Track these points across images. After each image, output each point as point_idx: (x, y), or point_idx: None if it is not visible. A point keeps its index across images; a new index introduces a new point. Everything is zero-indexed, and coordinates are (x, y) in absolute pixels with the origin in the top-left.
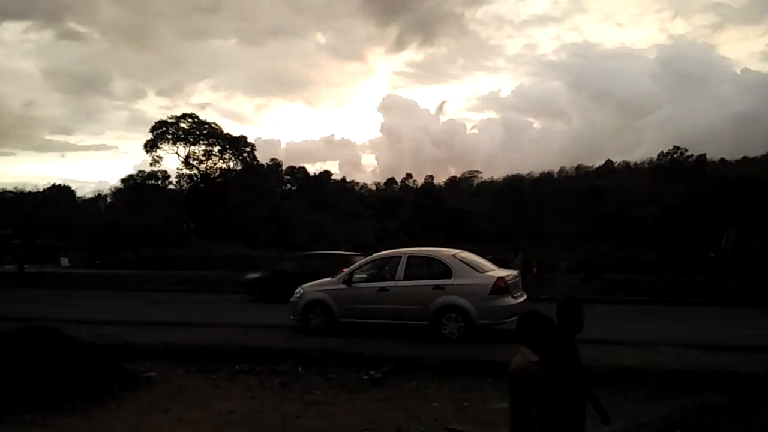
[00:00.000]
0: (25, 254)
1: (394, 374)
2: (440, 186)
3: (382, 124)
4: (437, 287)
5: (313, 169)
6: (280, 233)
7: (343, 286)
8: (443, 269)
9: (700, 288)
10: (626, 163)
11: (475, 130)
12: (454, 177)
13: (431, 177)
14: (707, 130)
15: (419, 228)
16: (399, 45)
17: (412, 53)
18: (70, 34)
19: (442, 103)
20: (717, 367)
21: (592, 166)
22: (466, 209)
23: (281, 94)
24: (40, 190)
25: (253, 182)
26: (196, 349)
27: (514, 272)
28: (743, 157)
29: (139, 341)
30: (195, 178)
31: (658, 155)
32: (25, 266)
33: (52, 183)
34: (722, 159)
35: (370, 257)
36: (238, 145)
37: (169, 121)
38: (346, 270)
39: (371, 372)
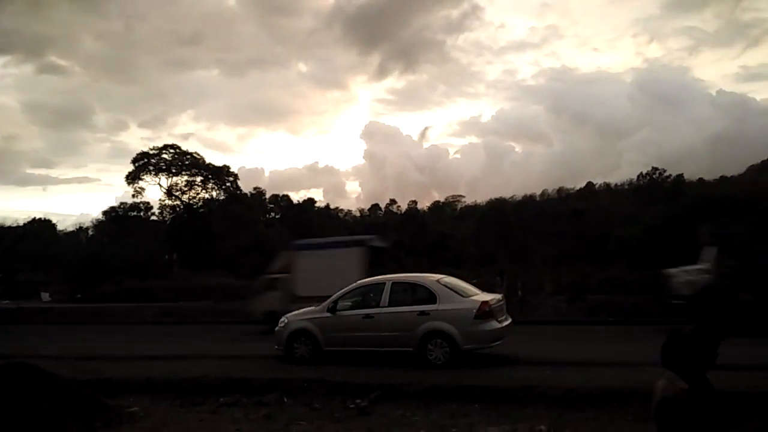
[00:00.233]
0: (4, 290)
1: (381, 402)
2: (424, 211)
3: (365, 150)
4: (422, 313)
5: (297, 197)
6: (264, 262)
7: (328, 315)
8: (428, 295)
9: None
10: (607, 185)
11: (458, 155)
12: (438, 201)
13: (415, 202)
14: (685, 150)
15: (404, 253)
16: (381, 73)
17: (394, 80)
18: (51, 67)
19: (425, 128)
20: None
21: (574, 188)
22: (450, 233)
23: (264, 123)
24: (21, 224)
25: (236, 212)
26: (180, 382)
27: (498, 296)
28: (721, 177)
29: (121, 375)
30: (178, 209)
31: (638, 176)
32: (5, 301)
33: (33, 217)
34: (700, 179)
35: (354, 284)
36: (220, 174)
37: (151, 152)
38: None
39: (357, 400)
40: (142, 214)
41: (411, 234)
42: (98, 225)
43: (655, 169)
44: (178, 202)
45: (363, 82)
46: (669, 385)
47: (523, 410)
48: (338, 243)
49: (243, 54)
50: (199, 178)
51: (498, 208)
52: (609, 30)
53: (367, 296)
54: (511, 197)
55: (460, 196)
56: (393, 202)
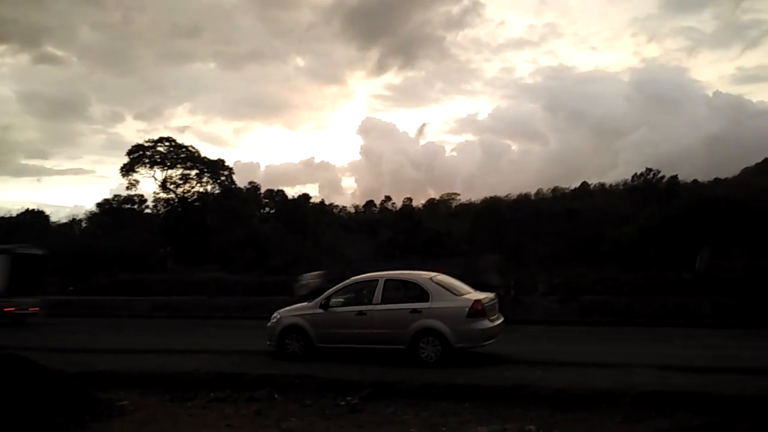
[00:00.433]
0: None
1: (372, 400)
2: (419, 208)
3: (361, 146)
4: (414, 311)
5: (292, 192)
6: (259, 257)
7: (320, 311)
8: (420, 292)
9: (675, 309)
10: (602, 185)
11: (454, 153)
12: (433, 199)
13: (410, 199)
14: (681, 151)
15: (398, 250)
16: (379, 68)
17: (392, 76)
18: (47, 58)
19: (423, 125)
20: (692, 389)
21: (569, 188)
22: (444, 231)
23: (260, 118)
24: (14, 215)
25: (231, 206)
26: (171, 376)
27: (491, 295)
28: (715, 179)
29: (112, 369)
30: (172, 202)
31: (632, 177)
32: None
33: (26, 208)
34: (695, 180)
35: (347, 281)
36: (216, 168)
37: (146, 144)
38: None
39: (348, 398)
40: (136, 206)
41: (405, 231)
42: (92, 217)
43: (649, 170)
44: (172, 195)
45: (361, 77)
46: None
47: (514, 410)
48: None
49: (241, 47)
50: (194, 172)
51: (493, 206)
52: (607, 29)
53: (360, 293)
54: (506, 196)
55: (455, 193)
56: (388, 198)
